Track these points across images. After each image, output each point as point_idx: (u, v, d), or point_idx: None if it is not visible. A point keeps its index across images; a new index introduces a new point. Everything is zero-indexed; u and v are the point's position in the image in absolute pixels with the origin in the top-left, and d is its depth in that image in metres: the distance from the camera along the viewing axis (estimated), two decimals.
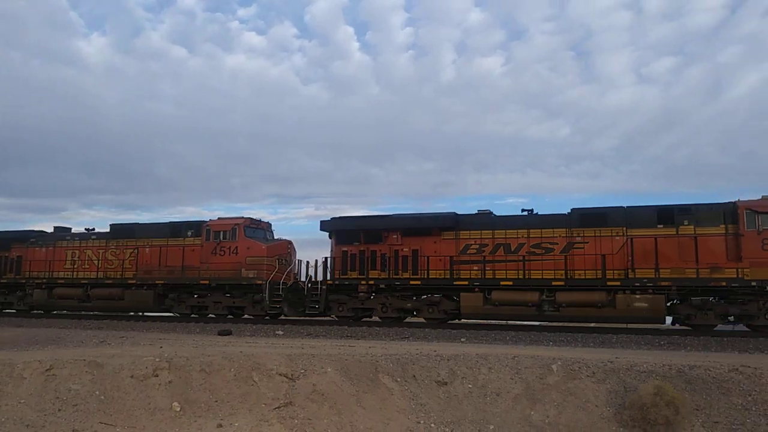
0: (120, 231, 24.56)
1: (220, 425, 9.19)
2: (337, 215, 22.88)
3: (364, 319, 21.06)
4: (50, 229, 27.22)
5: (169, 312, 23.22)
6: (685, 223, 17.48)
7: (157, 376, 10.15)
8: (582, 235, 18.44)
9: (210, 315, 22.43)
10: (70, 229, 26.76)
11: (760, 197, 17.15)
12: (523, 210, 19.93)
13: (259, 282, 21.22)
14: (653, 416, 8.74)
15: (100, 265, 24.20)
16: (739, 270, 16.64)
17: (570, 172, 73.33)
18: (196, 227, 23.02)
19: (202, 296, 22.52)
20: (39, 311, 25.67)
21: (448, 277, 19.45)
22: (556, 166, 74.31)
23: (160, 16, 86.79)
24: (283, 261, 22.49)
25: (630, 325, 18.56)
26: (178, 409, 9.53)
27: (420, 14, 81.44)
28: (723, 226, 17.09)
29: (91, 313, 24.33)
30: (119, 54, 76.17)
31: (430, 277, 19.69)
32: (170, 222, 24.10)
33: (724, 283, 16.68)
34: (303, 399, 9.73)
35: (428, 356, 10.99)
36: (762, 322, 16.72)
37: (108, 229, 24.97)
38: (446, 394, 10.01)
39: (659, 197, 71.38)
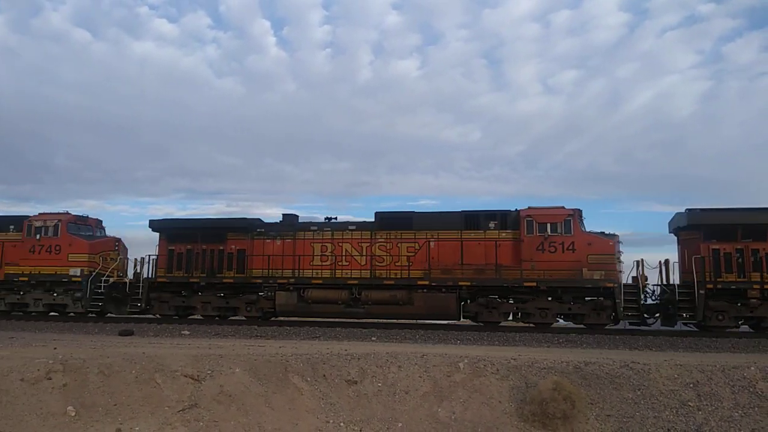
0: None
1: (119, 430, 8.77)
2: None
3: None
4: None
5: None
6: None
7: (50, 379, 9.54)
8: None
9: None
10: (297, 216, 22.11)
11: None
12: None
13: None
14: (552, 410, 9.19)
15: (365, 262, 20.28)
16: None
17: (480, 175, 75.76)
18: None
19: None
20: (278, 317, 21.09)
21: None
22: (467, 170, 76.52)
23: None
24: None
25: (531, 325, 19.41)
26: (73, 413, 9.00)
27: (338, 13, 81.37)
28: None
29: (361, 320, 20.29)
30: (15, 34, 70.88)
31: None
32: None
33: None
34: (209, 401, 9.47)
35: (339, 355, 11.00)
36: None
37: (372, 219, 20.97)
38: (356, 393, 10.06)
39: (560, 202, 75.06)
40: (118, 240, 23.42)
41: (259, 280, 20.40)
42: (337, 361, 10.72)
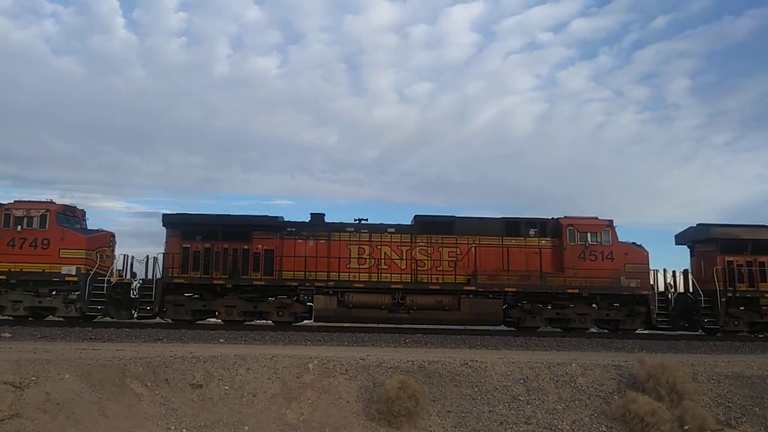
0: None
1: None
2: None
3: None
4: None
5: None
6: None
7: None
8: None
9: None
10: (324, 216, 20.35)
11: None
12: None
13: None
14: (397, 408, 9.53)
15: (405, 266, 19.21)
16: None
17: (336, 178, 76.43)
18: None
19: None
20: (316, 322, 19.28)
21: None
22: (324, 172, 76.91)
23: None
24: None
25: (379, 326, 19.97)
26: None
27: (195, 0, 77.96)
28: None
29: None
30: None
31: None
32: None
33: None
34: (33, 410, 8.60)
35: (183, 358, 10.54)
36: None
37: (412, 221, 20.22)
38: (201, 397, 9.71)
39: (411, 208, 78.30)
40: (113, 235, 20.78)
41: (295, 283, 18.89)
42: (181, 365, 10.27)
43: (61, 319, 18.95)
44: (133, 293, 19.49)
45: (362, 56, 78.83)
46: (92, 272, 18.79)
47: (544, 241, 19.79)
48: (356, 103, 77.55)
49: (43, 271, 18.64)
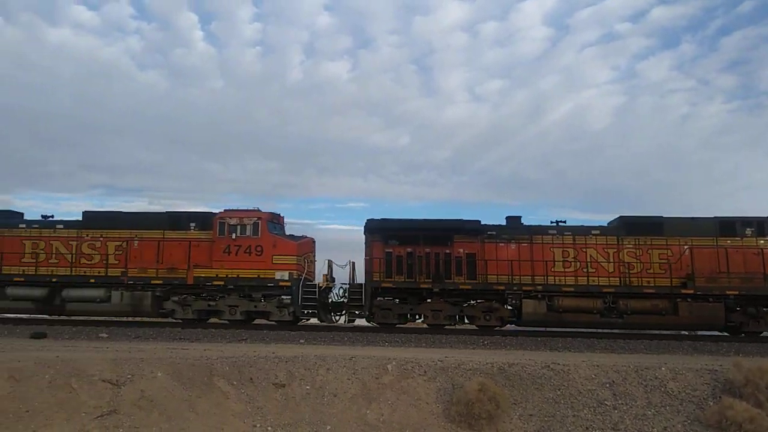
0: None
1: None
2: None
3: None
4: None
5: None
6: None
7: None
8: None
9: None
10: (520, 218, 20.39)
11: None
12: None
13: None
14: (477, 411, 9.41)
15: (613, 269, 19.00)
16: None
17: (408, 180, 76.62)
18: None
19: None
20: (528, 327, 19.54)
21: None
22: (396, 174, 77.25)
23: None
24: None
25: (458, 327, 19.81)
26: None
27: (269, 10, 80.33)
28: None
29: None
30: None
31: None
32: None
33: None
34: (129, 406, 9.10)
35: (266, 358, 10.84)
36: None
37: (617, 223, 20.01)
38: (284, 396, 9.95)
39: (484, 207, 77.25)
40: (314, 240, 21.37)
41: (501, 287, 18.86)
42: (264, 364, 10.56)
43: (273, 322, 19.47)
44: (335, 297, 19.95)
45: (432, 57, 78.77)
46: (303, 277, 19.34)
47: (762, 241, 18.91)
48: (427, 103, 77.56)
49: (258, 276, 19.22)
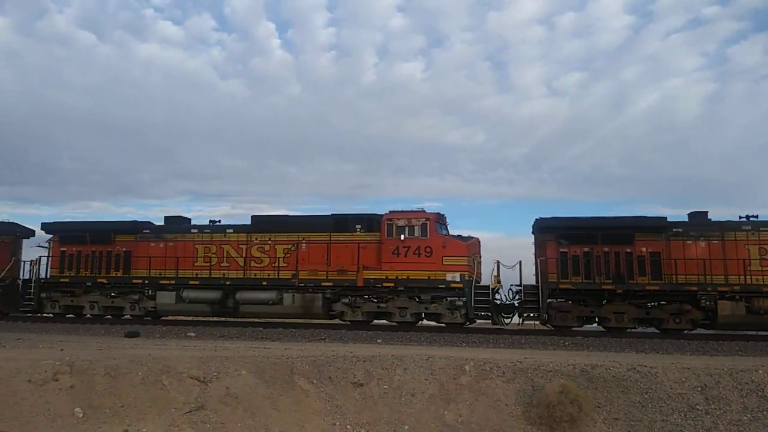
0: None
1: (127, 431, 8.79)
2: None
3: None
4: None
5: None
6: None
7: (57, 380, 9.55)
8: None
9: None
10: (706, 213, 19.72)
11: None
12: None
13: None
14: (559, 414, 9.16)
15: None
16: None
17: (485, 178, 75.69)
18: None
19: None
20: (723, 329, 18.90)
21: None
22: (472, 172, 76.46)
23: None
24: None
25: (537, 326, 19.35)
26: (81, 415, 9.02)
27: (343, 15, 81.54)
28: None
29: None
30: (20, 36, 71.28)
31: None
32: None
33: None
34: (216, 402, 9.47)
35: (344, 357, 10.99)
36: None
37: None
38: (362, 396, 10.05)
39: (564, 204, 75.16)
40: (479, 241, 20.84)
41: (694, 288, 17.98)
42: (342, 363, 10.70)
43: (443, 324, 19.31)
44: (504, 299, 19.58)
45: (507, 52, 77.55)
46: (473, 278, 19.14)
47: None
48: (502, 100, 76.45)
49: (429, 278, 19.05)
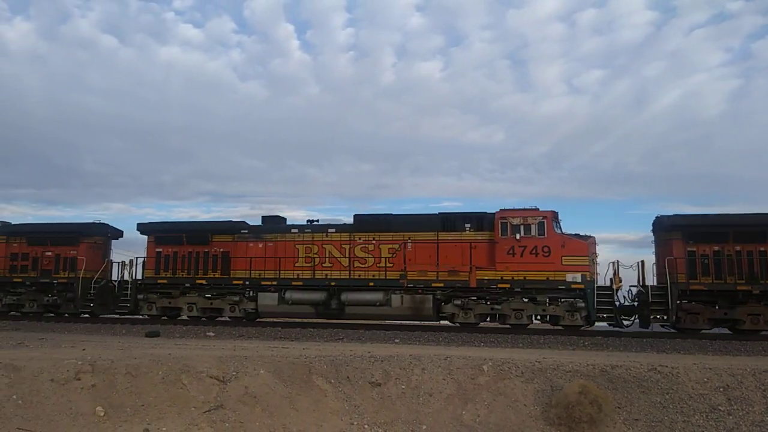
0: None
1: (147, 430, 8.88)
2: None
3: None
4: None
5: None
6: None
7: (79, 379, 9.70)
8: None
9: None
10: None
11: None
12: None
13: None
14: (578, 414, 9.08)
15: None
16: None
17: (504, 177, 75.24)
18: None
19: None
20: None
21: None
22: (491, 171, 76.10)
23: (89, 3, 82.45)
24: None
25: (555, 327, 19.20)
26: (102, 413, 9.15)
27: (361, 15, 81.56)
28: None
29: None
30: (44, 41, 72.36)
31: None
32: None
33: None
34: (234, 402, 9.54)
35: (362, 357, 11.00)
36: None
37: None
38: (380, 395, 10.05)
39: (585, 203, 74.48)
40: (596, 240, 19.71)
41: None
42: (360, 363, 10.71)
43: (560, 327, 18.74)
44: (624, 300, 18.98)
45: (526, 50, 76.92)
46: (595, 279, 18.47)
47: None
48: (522, 98, 75.88)
49: (547, 279, 18.38)
